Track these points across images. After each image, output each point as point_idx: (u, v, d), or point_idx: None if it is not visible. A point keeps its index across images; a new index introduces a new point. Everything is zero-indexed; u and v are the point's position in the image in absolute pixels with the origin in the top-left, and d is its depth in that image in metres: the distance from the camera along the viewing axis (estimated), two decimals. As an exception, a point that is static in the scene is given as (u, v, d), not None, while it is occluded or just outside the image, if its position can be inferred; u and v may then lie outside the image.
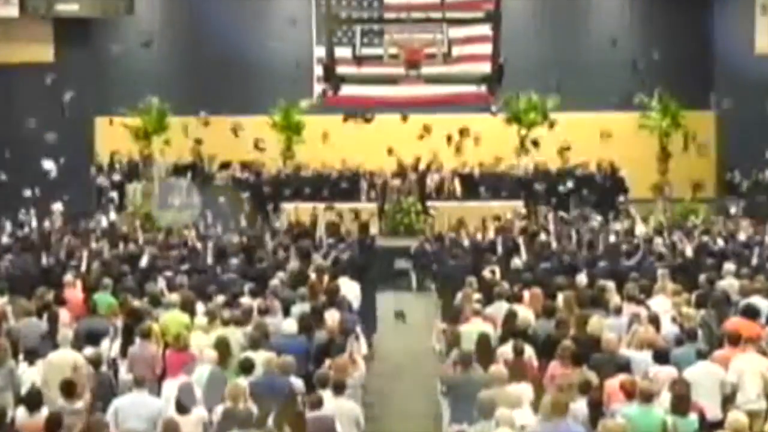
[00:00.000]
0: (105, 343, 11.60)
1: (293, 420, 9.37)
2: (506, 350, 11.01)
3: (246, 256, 16.57)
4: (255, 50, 25.89)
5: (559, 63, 24.81)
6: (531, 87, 23.91)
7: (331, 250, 16.75)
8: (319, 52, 23.82)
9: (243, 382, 10.05)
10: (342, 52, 20.39)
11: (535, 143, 23.76)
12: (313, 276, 14.88)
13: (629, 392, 9.34)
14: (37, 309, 12.70)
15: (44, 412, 9.35)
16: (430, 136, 24.29)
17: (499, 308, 12.86)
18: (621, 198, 23.06)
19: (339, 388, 9.90)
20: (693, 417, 9.13)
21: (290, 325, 11.99)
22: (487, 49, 19.83)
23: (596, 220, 20.19)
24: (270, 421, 9.26)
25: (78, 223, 20.97)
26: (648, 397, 9.20)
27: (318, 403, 9.50)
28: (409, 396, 13.58)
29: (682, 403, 9.13)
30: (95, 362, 10.76)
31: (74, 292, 13.82)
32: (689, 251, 15.65)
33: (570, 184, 23.15)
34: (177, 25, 26.46)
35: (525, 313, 12.39)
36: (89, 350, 11.04)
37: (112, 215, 21.91)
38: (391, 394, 13.48)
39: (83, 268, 15.35)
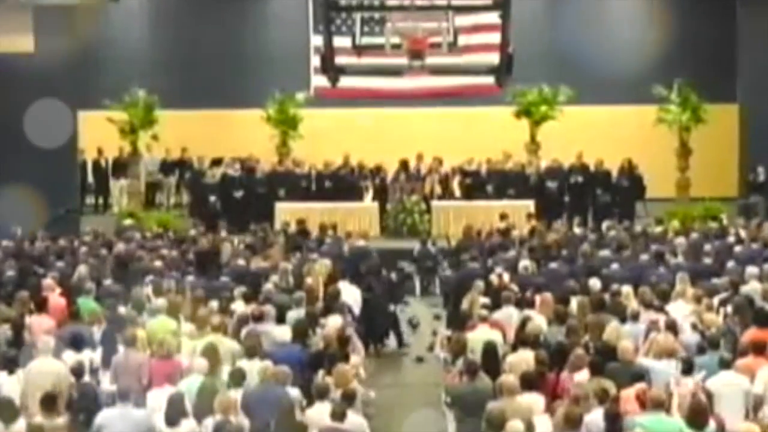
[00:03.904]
0: (87, 352, 11.55)
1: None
2: (519, 359, 10.96)
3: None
4: (248, 39, 25.82)
5: (572, 53, 24.70)
6: (542, 78, 23.84)
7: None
8: (317, 41, 23.75)
9: (233, 393, 9.99)
10: (341, 41, 20.32)
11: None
12: (309, 280, 14.84)
13: (643, 402, 9.33)
14: (17, 315, 12.67)
15: (21, 423, 9.31)
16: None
17: (507, 314, 12.83)
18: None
19: (348, 400, 9.86)
20: (711, 429, 9.08)
21: (283, 332, 11.93)
22: (495, 38, 19.73)
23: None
24: None
25: (60, 223, 20.92)
26: (660, 406, 9.17)
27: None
28: (412, 407, 13.51)
29: (699, 415, 9.08)
30: (77, 372, 10.71)
31: (55, 297, 13.77)
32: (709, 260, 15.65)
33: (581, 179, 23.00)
34: (164, 12, 26.39)
35: (537, 320, 12.34)
36: (71, 359, 11.00)
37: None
38: (394, 405, 13.41)
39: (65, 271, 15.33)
